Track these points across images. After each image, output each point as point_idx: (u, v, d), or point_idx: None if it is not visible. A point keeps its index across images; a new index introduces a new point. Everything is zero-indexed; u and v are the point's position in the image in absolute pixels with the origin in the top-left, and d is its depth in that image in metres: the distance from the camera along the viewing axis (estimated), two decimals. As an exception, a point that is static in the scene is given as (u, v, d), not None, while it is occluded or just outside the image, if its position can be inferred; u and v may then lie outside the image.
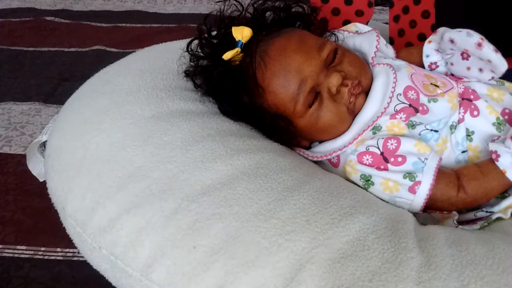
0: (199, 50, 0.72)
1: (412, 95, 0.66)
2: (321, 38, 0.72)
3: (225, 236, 0.52)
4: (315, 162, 0.69)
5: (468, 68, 0.70)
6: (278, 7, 0.73)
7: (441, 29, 0.72)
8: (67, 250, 0.99)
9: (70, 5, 2.15)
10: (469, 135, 0.68)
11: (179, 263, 0.52)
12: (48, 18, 2.00)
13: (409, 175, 0.63)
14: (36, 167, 0.80)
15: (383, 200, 0.64)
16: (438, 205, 0.64)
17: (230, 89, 0.67)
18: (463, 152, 0.68)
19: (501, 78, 0.70)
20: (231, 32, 0.68)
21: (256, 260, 0.51)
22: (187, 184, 0.57)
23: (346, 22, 0.85)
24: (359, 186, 0.65)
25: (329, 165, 0.69)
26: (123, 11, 2.09)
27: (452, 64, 0.72)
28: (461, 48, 0.69)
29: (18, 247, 1.01)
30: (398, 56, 0.80)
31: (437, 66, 0.74)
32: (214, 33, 0.72)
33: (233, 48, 0.67)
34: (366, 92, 0.68)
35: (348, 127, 0.67)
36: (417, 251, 0.52)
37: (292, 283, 0.49)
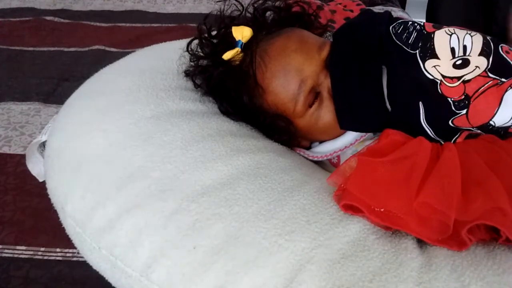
0: (199, 50, 0.72)
1: None
2: (321, 38, 0.71)
3: (225, 237, 0.52)
4: (315, 162, 0.69)
5: None
6: (279, 7, 0.73)
7: None
8: (66, 250, 0.98)
9: (70, 5, 2.14)
10: None
11: (179, 264, 0.52)
12: (48, 18, 1.99)
13: None
14: (36, 167, 0.79)
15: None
16: None
17: (230, 89, 0.67)
18: None
19: None
20: (231, 32, 0.68)
21: (256, 260, 0.51)
22: (187, 184, 0.57)
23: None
24: (359, 186, 0.65)
25: (329, 165, 0.69)
26: (123, 11, 2.09)
27: None
28: None
29: (18, 247, 1.01)
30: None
31: None
32: (214, 33, 0.72)
33: (233, 48, 0.67)
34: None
35: (348, 127, 0.67)
36: (417, 251, 0.52)
37: (292, 283, 0.49)
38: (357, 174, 0.55)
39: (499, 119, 0.60)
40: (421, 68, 0.62)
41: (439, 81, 0.61)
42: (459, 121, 0.61)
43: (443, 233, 0.51)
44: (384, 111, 0.63)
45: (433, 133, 0.62)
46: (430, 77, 0.62)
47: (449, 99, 0.61)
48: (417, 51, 0.63)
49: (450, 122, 0.61)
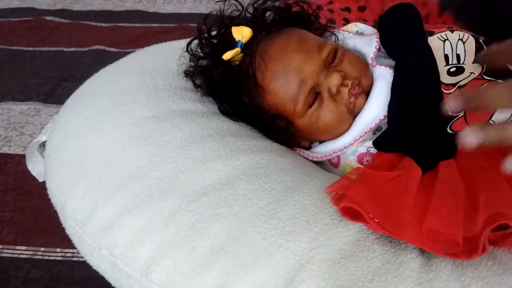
0: (199, 50, 0.72)
1: None
2: (321, 38, 0.71)
3: (225, 237, 0.52)
4: (315, 162, 0.69)
5: None
6: (278, 7, 0.73)
7: None
8: (66, 250, 0.99)
9: (69, 5, 2.15)
10: None
11: (179, 264, 0.52)
12: (48, 18, 2.00)
13: None
14: (36, 167, 0.79)
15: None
16: None
17: (230, 89, 0.67)
18: None
19: None
20: (231, 32, 0.68)
21: (256, 260, 0.51)
22: (187, 184, 0.57)
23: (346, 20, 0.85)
24: (359, 186, 0.65)
25: (329, 165, 0.69)
26: (123, 11, 2.09)
27: None
28: None
29: (18, 247, 1.01)
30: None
31: None
32: (214, 33, 0.72)
33: (233, 48, 0.67)
34: (367, 92, 0.68)
35: (348, 127, 0.67)
36: (417, 251, 0.52)
37: (292, 283, 0.49)
38: (358, 183, 0.55)
39: (499, 117, 0.59)
40: None
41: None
42: (457, 125, 0.60)
43: (451, 248, 0.49)
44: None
45: None
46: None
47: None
48: None
49: (448, 129, 0.61)
